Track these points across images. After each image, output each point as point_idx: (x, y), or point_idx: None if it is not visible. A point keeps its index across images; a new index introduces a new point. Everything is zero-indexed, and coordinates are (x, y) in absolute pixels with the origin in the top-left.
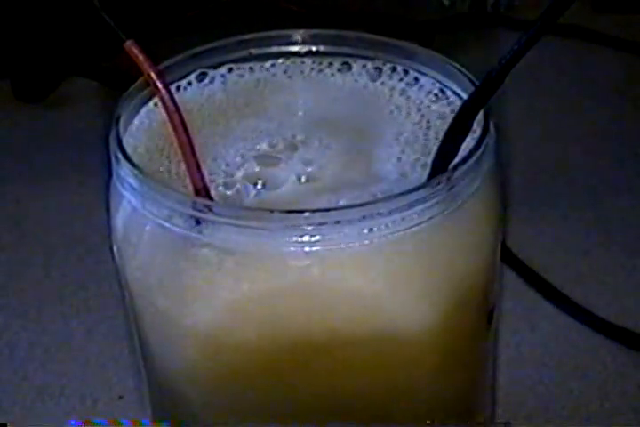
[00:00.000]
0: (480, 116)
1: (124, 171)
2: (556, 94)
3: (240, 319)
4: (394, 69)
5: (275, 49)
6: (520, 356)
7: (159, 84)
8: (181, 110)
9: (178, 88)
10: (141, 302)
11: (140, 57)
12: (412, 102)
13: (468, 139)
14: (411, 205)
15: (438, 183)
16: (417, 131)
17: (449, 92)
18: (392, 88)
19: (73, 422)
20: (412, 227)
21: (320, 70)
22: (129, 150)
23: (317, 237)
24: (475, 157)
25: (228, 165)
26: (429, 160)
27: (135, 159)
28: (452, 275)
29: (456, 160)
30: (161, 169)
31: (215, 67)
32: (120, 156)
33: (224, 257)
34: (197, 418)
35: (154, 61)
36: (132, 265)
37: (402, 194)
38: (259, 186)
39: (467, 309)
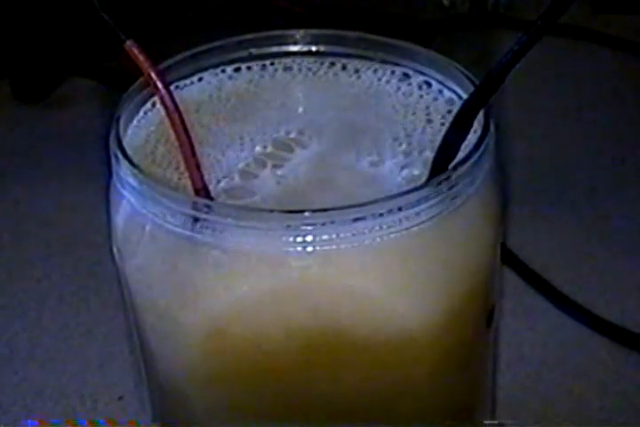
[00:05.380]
0: (480, 116)
1: (123, 171)
2: (555, 94)
3: (240, 319)
4: (394, 69)
5: (275, 49)
6: (520, 356)
7: (159, 84)
8: (181, 110)
9: (178, 88)
10: (141, 301)
11: (140, 57)
12: (411, 102)
13: (467, 138)
14: (411, 205)
15: (438, 183)
16: (417, 131)
17: (449, 92)
18: (392, 88)
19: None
20: (411, 227)
21: (320, 70)
22: (129, 150)
23: (317, 237)
24: (475, 157)
25: (227, 164)
26: (429, 160)
27: (135, 159)
28: (451, 275)
29: (456, 160)
30: (161, 169)
31: (215, 67)
32: (120, 156)
33: (224, 257)
34: (198, 418)
35: (154, 61)
36: (131, 265)
37: (402, 194)
38: (259, 186)
39: (467, 309)
